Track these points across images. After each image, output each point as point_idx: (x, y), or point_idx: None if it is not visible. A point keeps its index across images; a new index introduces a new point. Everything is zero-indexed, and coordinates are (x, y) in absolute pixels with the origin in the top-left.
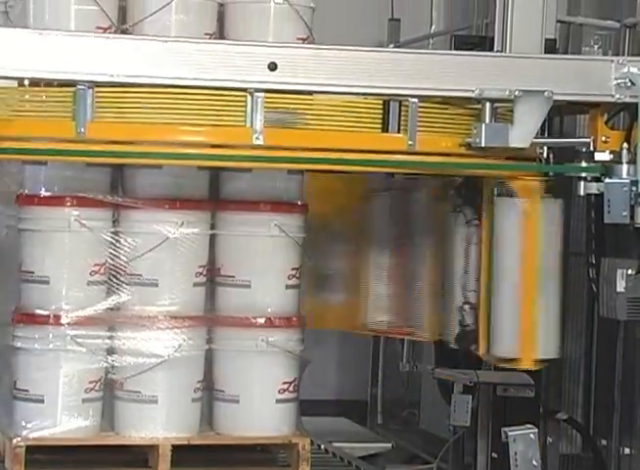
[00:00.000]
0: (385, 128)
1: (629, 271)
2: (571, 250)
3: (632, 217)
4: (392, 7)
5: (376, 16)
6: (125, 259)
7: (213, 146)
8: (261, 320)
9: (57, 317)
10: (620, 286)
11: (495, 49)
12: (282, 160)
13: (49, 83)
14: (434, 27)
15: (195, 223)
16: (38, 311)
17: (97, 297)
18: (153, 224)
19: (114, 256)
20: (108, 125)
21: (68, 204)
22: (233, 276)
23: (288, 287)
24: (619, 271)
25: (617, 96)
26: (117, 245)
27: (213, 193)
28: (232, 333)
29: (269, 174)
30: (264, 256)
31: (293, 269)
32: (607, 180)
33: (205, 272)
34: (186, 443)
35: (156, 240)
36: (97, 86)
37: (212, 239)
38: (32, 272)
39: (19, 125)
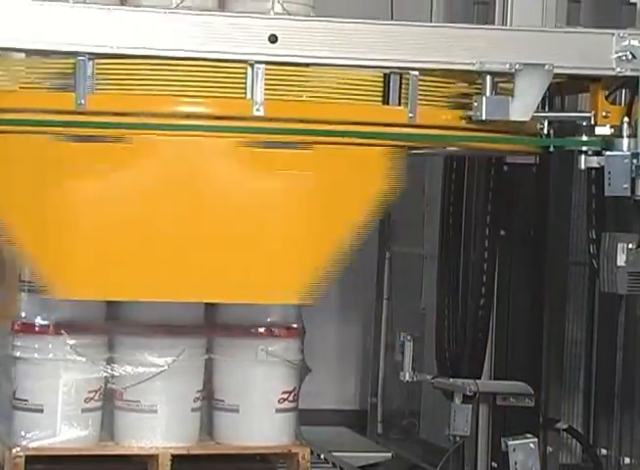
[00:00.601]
0: (385, 101)
1: (630, 245)
2: (570, 259)
3: (633, 191)
4: (392, 16)
5: (374, 12)
6: None
7: (214, 117)
8: (261, 330)
9: (56, 327)
10: (621, 260)
11: (496, 22)
12: (282, 131)
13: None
14: None
15: None
16: (38, 321)
17: (96, 306)
18: None
19: None
20: (108, 97)
21: None
22: None
23: None
24: (620, 245)
25: (618, 69)
26: None
27: None
28: (232, 342)
29: None
30: None
31: None
32: (607, 153)
33: None
34: (186, 452)
35: None
36: (97, 58)
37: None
38: (31, 282)
39: (19, 97)
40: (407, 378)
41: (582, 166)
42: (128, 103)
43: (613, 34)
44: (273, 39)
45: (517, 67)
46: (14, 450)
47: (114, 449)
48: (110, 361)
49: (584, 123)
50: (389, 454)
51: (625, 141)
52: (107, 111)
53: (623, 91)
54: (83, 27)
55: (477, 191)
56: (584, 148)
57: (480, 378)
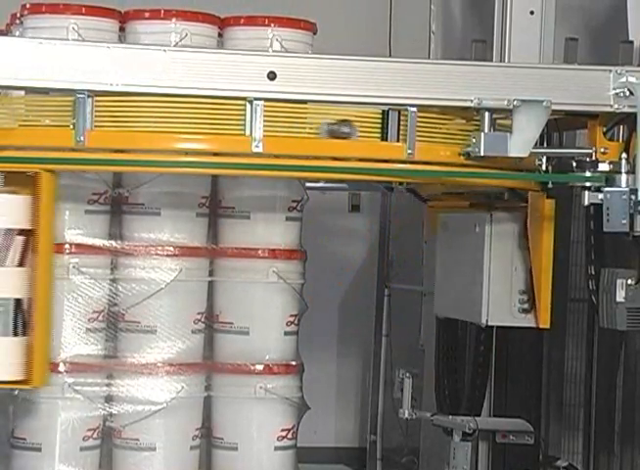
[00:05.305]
0: (384, 137)
1: (629, 281)
2: (569, 296)
3: (631, 226)
4: (390, 43)
5: (373, 51)
6: (124, 306)
7: (213, 154)
8: (260, 367)
9: (55, 365)
10: (620, 296)
11: (494, 59)
12: (281, 168)
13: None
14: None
15: (193, 270)
16: None
17: (95, 344)
18: (151, 271)
19: (113, 303)
20: (107, 134)
21: (67, 251)
22: (232, 323)
23: (286, 334)
24: (619, 281)
25: (616, 106)
26: (116, 292)
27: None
28: (230, 380)
29: (268, 218)
30: (263, 302)
31: (291, 316)
32: (606, 189)
33: (203, 319)
34: None
35: (154, 287)
36: (96, 95)
37: (211, 285)
38: None
39: (19, 134)
40: (406, 415)
41: (586, 203)
42: (127, 140)
43: (610, 71)
44: (272, 76)
45: (515, 103)
46: None
47: None
48: (108, 399)
49: (587, 159)
50: None
51: (624, 177)
52: (106, 147)
53: (621, 127)
54: (83, 65)
55: None
56: (588, 184)
57: (479, 415)
